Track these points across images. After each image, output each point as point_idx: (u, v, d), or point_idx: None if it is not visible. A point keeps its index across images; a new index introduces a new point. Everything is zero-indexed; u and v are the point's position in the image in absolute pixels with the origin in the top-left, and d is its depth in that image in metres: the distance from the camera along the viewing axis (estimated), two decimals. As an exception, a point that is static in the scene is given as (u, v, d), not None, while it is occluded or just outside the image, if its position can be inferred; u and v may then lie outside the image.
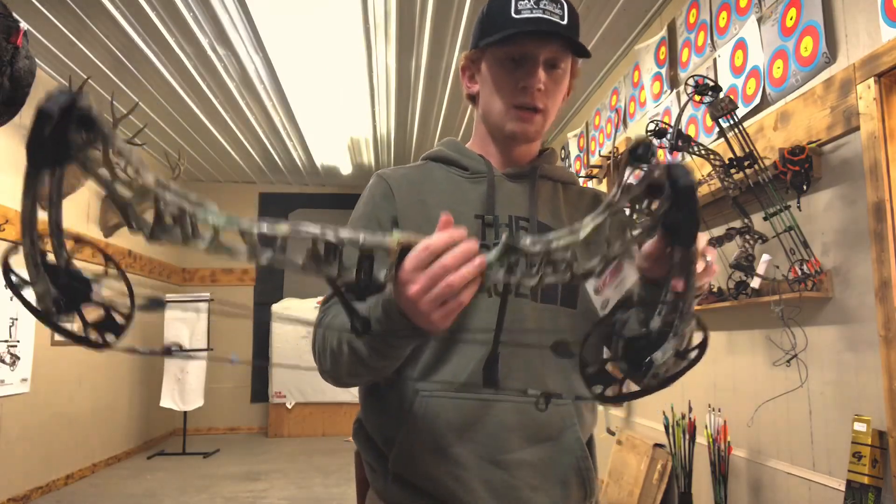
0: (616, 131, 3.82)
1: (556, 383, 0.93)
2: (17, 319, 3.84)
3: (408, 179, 1.02)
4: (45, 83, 4.12)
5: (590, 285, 0.83)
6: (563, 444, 0.93)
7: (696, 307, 2.77)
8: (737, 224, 2.31)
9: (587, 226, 0.57)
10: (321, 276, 0.56)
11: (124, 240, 5.42)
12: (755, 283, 2.22)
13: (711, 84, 2.30)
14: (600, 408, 3.88)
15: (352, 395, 6.10)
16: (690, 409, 2.71)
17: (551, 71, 0.97)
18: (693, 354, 0.56)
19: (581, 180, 3.49)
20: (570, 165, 4.72)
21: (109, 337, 0.50)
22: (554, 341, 0.65)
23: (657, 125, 2.52)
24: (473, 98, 1.05)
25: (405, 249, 0.62)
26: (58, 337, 4.58)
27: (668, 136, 2.41)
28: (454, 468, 0.88)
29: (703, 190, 2.57)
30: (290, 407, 6.50)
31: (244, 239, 0.52)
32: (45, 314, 0.49)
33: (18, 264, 0.48)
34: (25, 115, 3.66)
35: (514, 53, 0.94)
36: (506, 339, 0.88)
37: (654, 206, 0.56)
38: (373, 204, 1.00)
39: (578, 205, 1.07)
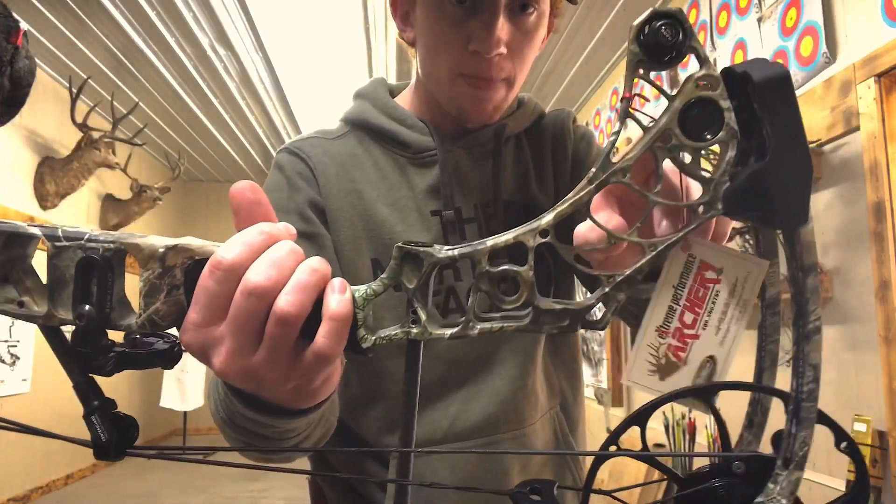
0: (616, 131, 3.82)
1: (545, 394, 0.79)
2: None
3: (333, 159, 0.75)
4: (45, 83, 4.12)
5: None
6: (559, 460, 0.79)
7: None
8: (737, 224, 2.31)
9: (567, 200, 0.36)
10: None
11: (124, 240, 5.42)
12: (755, 283, 2.21)
13: (711, 84, 2.30)
14: (600, 407, 3.88)
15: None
16: (690, 410, 2.70)
17: (520, 16, 0.66)
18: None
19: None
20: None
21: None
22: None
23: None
24: (411, 44, 0.75)
25: (192, 269, 0.34)
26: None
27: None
28: None
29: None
30: (290, 407, 6.50)
31: None
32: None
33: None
34: (25, 115, 3.66)
35: None
36: (493, 369, 0.73)
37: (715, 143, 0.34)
38: (294, 189, 0.71)
39: (542, 154, 0.79)
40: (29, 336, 3.96)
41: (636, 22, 0.34)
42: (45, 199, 4.16)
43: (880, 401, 1.82)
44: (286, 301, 0.33)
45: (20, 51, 2.52)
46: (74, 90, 3.98)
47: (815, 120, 2.09)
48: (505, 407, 0.72)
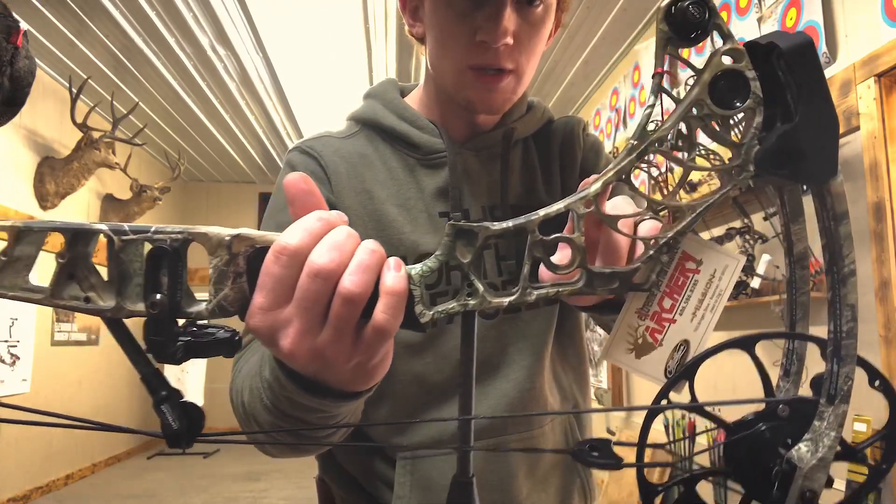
0: (616, 131, 3.82)
1: (555, 396, 0.78)
2: (16, 319, 3.84)
3: (344, 159, 0.75)
4: (45, 83, 4.12)
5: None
6: (569, 465, 0.78)
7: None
8: (737, 224, 2.31)
9: (610, 169, 0.38)
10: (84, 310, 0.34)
11: (124, 240, 5.42)
12: (755, 283, 2.22)
13: (711, 84, 2.30)
14: (600, 406, 3.88)
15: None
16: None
17: (527, 9, 0.66)
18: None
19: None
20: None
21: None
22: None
23: (657, 125, 2.52)
24: (420, 40, 0.76)
25: (254, 257, 0.36)
26: (58, 337, 4.58)
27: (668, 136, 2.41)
28: None
29: (703, 190, 2.57)
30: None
31: None
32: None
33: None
34: (25, 115, 3.66)
35: None
36: (501, 371, 0.72)
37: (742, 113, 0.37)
38: None
39: (550, 160, 0.80)
40: (29, 336, 3.96)
41: (664, 2, 0.37)
42: (45, 199, 4.16)
43: (880, 401, 1.82)
44: (350, 281, 0.35)
45: (20, 51, 2.52)
46: (74, 90, 3.98)
47: (815, 120, 2.09)
48: (512, 409, 0.72)
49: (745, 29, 2.51)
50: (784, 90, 0.36)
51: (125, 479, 4.73)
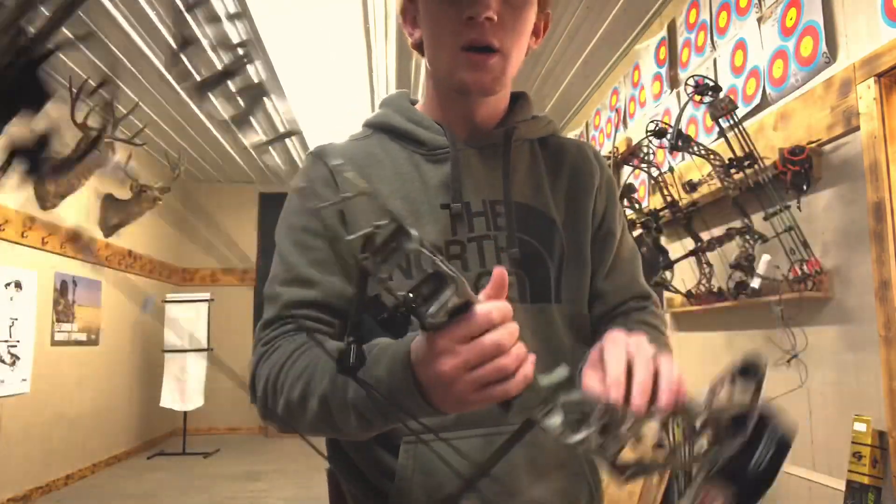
0: (616, 131, 3.82)
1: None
2: (17, 319, 3.84)
3: (352, 161, 0.82)
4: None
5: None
6: (575, 468, 0.81)
7: (698, 307, 2.72)
8: (737, 224, 2.31)
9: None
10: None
11: (124, 239, 5.42)
12: (755, 283, 2.22)
13: (711, 84, 2.30)
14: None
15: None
16: (690, 409, 2.70)
17: None
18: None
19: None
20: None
21: None
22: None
23: (657, 125, 2.52)
24: (420, 47, 0.83)
25: (461, 307, 0.46)
26: (58, 337, 4.56)
27: (668, 136, 2.41)
28: None
29: (703, 190, 2.57)
30: (290, 407, 6.50)
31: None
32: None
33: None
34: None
35: None
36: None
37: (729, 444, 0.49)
38: (313, 195, 0.81)
39: (559, 171, 0.86)
40: (29, 336, 3.96)
41: (738, 366, 0.54)
42: (45, 199, 4.16)
43: (880, 401, 1.81)
44: (513, 358, 0.51)
45: (20, 51, 2.52)
46: (74, 90, 3.98)
47: (815, 120, 2.09)
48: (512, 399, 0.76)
49: (746, 29, 2.51)
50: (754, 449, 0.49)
51: (125, 479, 4.73)
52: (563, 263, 0.82)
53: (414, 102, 0.89)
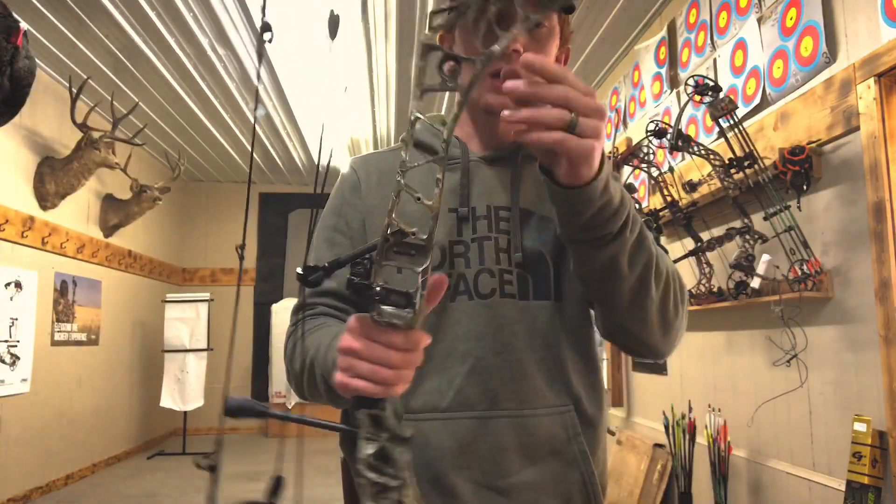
0: (616, 131, 3.82)
1: (556, 389, 0.84)
2: (17, 319, 3.84)
3: (379, 169, 0.94)
4: (45, 83, 4.12)
5: None
6: (568, 457, 0.83)
7: (698, 307, 2.73)
8: (737, 224, 2.31)
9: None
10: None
11: (124, 240, 5.42)
12: (755, 283, 2.22)
13: (711, 84, 2.30)
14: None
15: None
16: (690, 409, 2.71)
17: (533, 31, 0.84)
18: None
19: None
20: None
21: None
22: None
23: (657, 125, 2.53)
24: None
25: (398, 325, 0.54)
26: (58, 337, 4.57)
27: (668, 136, 2.41)
28: (450, 500, 0.79)
29: (703, 190, 2.57)
30: (290, 407, 6.50)
31: None
32: None
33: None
34: (25, 115, 3.66)
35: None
36: (495, 348, 0.82)
37: None
38: (341, 198, 0.94)
39: None
40: (29, 336, 3.96)
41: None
42: (45, 199, 4.16)
43: (880, 401, 1.82)
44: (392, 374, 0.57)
45: (20, 51, 2.52)
46: (74, 90, 3.98)
47: (815, 120, 2.09)
48: (503, 385, 0.81)
49: (746, 29, 2.51)
50: None
51: (125, 479, 4.73)
52: (564, 264, 0.86)
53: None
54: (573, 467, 0.83)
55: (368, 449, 0.51)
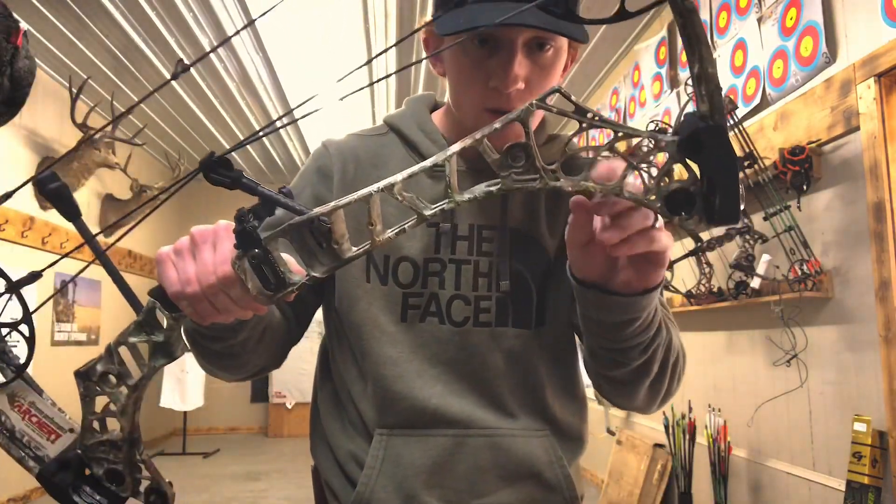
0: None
1: (531, 414, 0.80)
2: (17, 319, 3.84)
3: (356, 157, 0.83)
4: (45, 83, 4.12)
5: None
6: (551, 481, 0.79)
7: (698, 307, 2.72)
8: (737, 224, 2.31)
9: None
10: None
11: (124, 240, 5.42)
12: (755, 283, 2.22)
13: (711, 84, 2.30)
14: (600, 408, 3.88)
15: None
16: (690, 410, 2.71)
17: (537, 53, 0.70)
18: None
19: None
20: (570, 165, 4.72)
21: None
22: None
23: (657, 125, 2.53)
24: (443, 74, 0.81)
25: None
26: (58, 337, 4.56)
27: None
28: None
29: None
30: (289, 407, 6.50)
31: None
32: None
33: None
34: (25, 115, 3.66)
35: (482, 34, 0.69)
36: (465, 373, 0.78)
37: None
38: (305, 179, 0.83)
39: (561, 195, 0.82)
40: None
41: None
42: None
43: (880, 401, 1.82)
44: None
45: (20, 51, 2.52)
46: (74, 90, 3.98)
47: (815, 120, 2.09)
48: (476, 408, 0.78)
49: (746, 29, 2.51)
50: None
51: (125, 479, 4.73)
52: (549, 289, 0.81)
53: (438, 106, 0.88)
54: (555, 492, 0.80)
55: (99, 366, 0.52)
